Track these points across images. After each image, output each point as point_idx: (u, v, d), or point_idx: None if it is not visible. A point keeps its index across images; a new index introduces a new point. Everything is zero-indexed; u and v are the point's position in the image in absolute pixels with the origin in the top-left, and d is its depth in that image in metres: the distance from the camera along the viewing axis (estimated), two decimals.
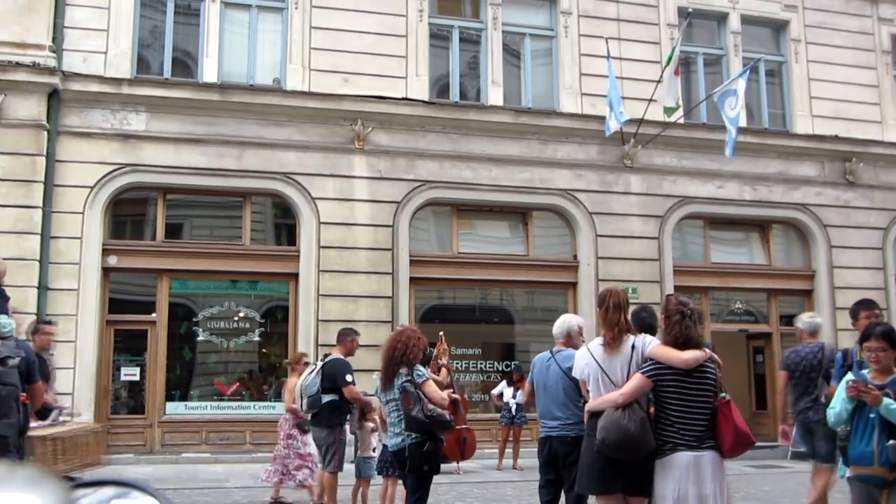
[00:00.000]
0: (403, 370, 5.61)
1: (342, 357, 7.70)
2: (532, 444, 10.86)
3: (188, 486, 9.56)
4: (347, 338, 7.87)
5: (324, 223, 12.75)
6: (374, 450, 7.94)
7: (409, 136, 13.28)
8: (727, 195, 14.60)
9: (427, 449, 5.50)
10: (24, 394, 5.00)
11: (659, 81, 13.00)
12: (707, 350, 4.48)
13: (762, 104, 15.28)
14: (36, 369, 5.31)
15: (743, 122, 13.04)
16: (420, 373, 5.66)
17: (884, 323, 5.35)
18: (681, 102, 12.86)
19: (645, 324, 5.02)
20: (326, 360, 7.77)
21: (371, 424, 7.95)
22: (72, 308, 11.63)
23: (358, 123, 12.87)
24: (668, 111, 12.74)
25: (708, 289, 14.62)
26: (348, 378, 7.44)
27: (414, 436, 5.53)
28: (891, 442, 4.39)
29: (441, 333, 7.72)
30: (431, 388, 5.63)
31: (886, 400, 4.38)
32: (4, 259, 10.96)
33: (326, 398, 7.51)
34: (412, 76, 13.38)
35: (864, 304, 6.18)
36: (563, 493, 5.68)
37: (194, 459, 11.79)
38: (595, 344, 4.74)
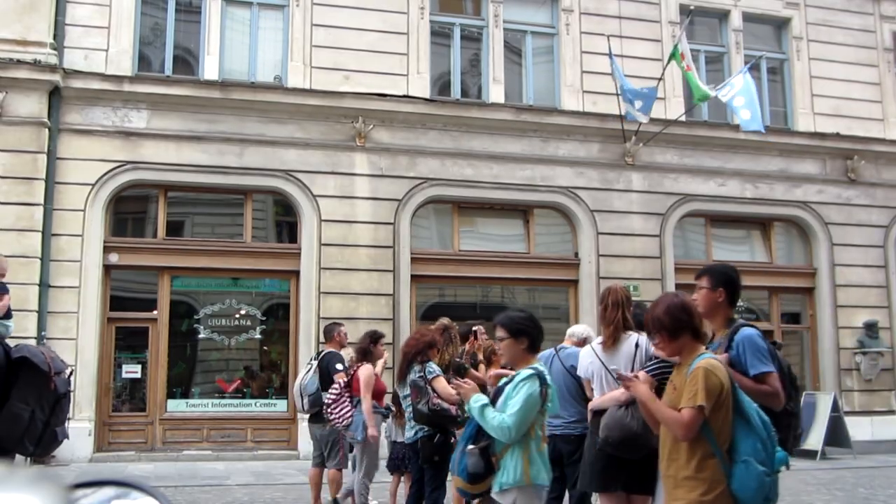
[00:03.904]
0: (416, 367, 5.92)
1: (334, 350, 7.83)
2: None
3: (189, 483, 9.57)
4: (334, 332, 8.04)
5: (325, 221, 12.74)
6: None
7: (410, 134, 13.28)
8: (728, 193, 14.59)
9: (437, 441, 5.76)
10: None
11: (661, 79, 13.00)
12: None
13: (764, 102, 15.24)
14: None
15: (768, 121, 13.00)
16: (431, 369, 5.93)
17: (519, 310, 4.60)
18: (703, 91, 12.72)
19: (636, 321, 5.01)
20: (320, 356, 7.87)
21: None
22: (73, 306, 11.64)
23: (359, 121, 12.87)
24: (700, 99, 12.68)
25: None
26: (338, 367, 7.53)
27: (426, 429, 5.79)
28: (469, 447, 3.76)
29: (475, 328, 7.65)
30: (441, 384, 5.87)
31: (475, 396, 3.86)
32: (5, 256, 10.97)
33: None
34: (413, 74, 13.37)
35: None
36: (567, 491, 5.71)
37: (195, 457, 11.80)
38: (598, 342, 4.75)
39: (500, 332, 3.99)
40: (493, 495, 3.74)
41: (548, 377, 3.89)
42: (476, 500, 3.88)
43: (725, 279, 4.01)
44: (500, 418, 3.69)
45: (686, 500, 3.18)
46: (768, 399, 3.74)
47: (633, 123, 13.17)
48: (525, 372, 3.82)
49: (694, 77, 12.59)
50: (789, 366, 4.07)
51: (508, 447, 3.72)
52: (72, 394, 6.16)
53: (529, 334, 3.95)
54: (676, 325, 3.35)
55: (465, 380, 4.08)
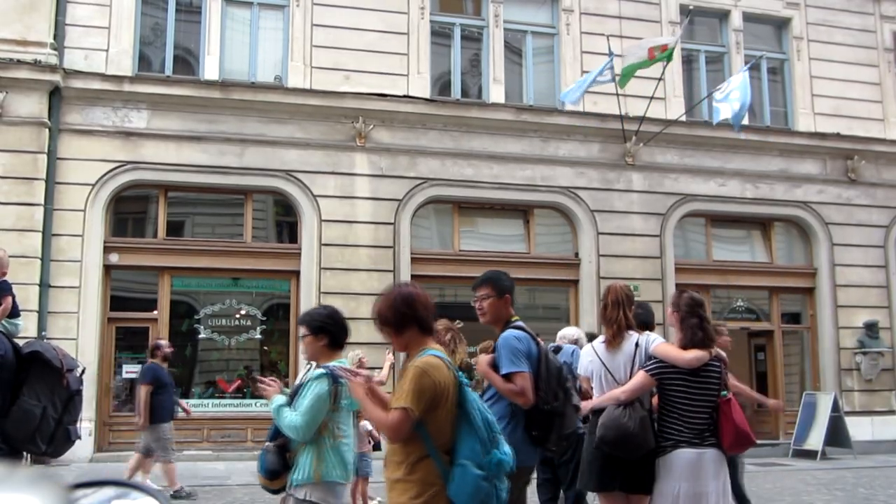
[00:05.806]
0: None
1: None
2: None
3: (189, 483, 9.56)
4: None
5: (325, 221, 12.74)
6: (371, 445, 7.99)
7: (410, 134, 13.28)
8: (729, 193, 14.58)
9: None
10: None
11: (661, 79, 12.99)
12: (714, 349, 4.46)
13: (764, 102, 15.26)
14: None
15: (746, 120, 13.04)
16: None
17: (322, 307, 4.45)
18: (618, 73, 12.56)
19: (640, 321, 5.01)
20: None
21: (365, 422, 7.97)
22: (73, 306, 11.64)
23: (359, 121, 12.87)
24: (622, 80, 12.61)
25: (709, 287, 14.59)
26: None
27: None
28: (267, 444, 3.84)
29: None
30: None
31: (275, 397, 3.84)
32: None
33: None
34: (413, 74, 13.37)
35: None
36: (563, 493, 5.71)
37: (195, 457, 11.79)
38: (599, 342, 4.76)
39: (301, 330, 3.98)
40: (289, 490, 3.77)
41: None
42: (280, 496, 3.92)
43: (507, 286, 4.56)
44: (290, 418, 3.71)
45: (398, 502, 3.09)
46: (514, 397, 3.96)
47: (634, 123, 13.18)
48: (316, 371, 3.80)
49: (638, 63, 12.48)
50: (560, 367, 4.21)
51: (303, 445, 3.75)
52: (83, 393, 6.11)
53: (329, 331, 3.92)
54: (400, 319, 3.19)
55: (271, 378, 4.03)
